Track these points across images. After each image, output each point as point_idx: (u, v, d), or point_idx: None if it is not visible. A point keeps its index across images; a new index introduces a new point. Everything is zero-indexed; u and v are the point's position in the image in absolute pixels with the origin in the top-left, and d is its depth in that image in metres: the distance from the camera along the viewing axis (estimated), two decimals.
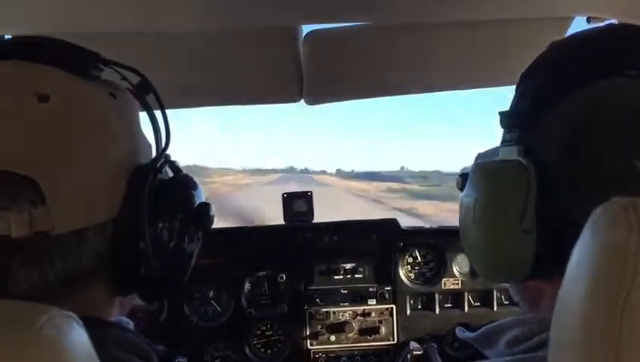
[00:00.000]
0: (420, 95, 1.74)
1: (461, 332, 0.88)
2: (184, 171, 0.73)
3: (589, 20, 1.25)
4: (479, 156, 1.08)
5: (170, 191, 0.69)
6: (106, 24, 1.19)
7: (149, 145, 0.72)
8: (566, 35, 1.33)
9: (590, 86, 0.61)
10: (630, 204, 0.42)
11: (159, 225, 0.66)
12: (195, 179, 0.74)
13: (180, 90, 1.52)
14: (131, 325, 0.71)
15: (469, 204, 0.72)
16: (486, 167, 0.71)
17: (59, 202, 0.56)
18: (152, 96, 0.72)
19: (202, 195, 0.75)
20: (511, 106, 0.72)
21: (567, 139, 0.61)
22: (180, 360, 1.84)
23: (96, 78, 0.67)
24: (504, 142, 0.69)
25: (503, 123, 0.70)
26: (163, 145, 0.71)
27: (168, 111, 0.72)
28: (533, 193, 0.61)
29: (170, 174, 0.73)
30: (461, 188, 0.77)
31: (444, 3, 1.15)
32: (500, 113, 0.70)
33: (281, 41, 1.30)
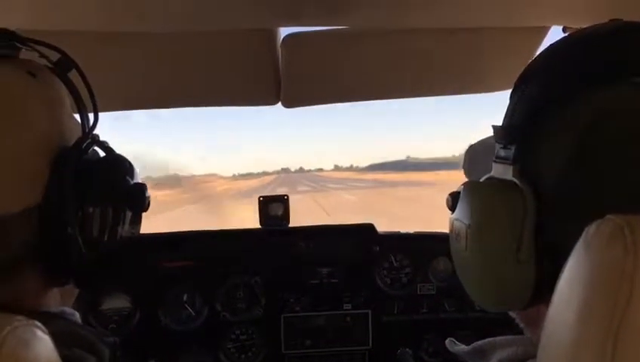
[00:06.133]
0: None
1: (452, 345, 0.82)
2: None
3: (564, 30, 1.27)
4: (471, 149, 1.03)
5: (98, 173, 0.65)
6: (81, 23, 1.17)
7: (78, 126, 0.68)
8: (542, 45, 1.36)
9: (595, 96, 0.54)
10: (626, 223, 0.40)
11: (89, 209, 0.62)
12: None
13: (156, 90, 1.50)
14: (76, 316, 0.67)
15: (460, 229, 0.66)
16: (478, 188, 0.65)
17: None
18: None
19: (137, 176, 0.71)
20: (505, 119, 0.64)
21: (568, 159, 0.55)
22: None
23: (11, 57, 0.62)
24: (498, 157, 0.63)
25: (497, 138, 0.63)
26: (90, 124, 0.67)
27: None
28: (531, 219, 0.56)
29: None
30: (452, 209, 0.71)
31: (422, 10, 1.15)
32: (494, 127, 0.64)
33: (259, 43, 1.29)
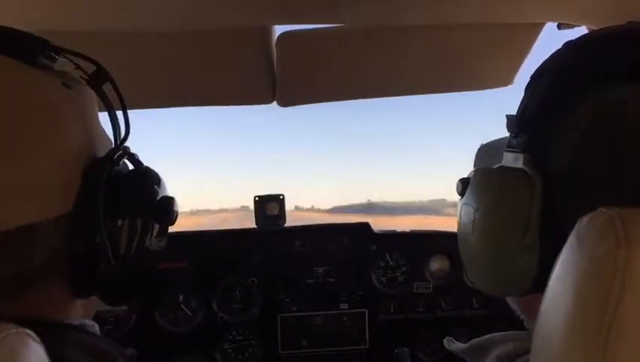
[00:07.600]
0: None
1: (450, 344, 0.84)
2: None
3: (559, 27, 1.27)
4: (482, 148, 1.05)
5: (128, 184, 0.65)
6: (74, 23, 1.16)
7: (109, 139, 0.68)
8: (537, 41, 1.36)
9: (605, 92, 0.56)
10: (617, 216, 0.40)
11: (117, 221, 0.63)
12: None
13: (150, 90, 1.49)
14: (96, 328, 0.67)
15: (468, 213, 0.68)
16: (488, 174, 0.67)
17: (4, 195, 0.52)
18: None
19: (166, 189, 0.71)
20: (519, 109, 0.66)
21: (577, 150, 0.56)
22: None
23: (46, 67, 0.62)
24: (510, 146, 0.64)
25: (509, 127, 0.65)
26: (122, 137, 0.67)
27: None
28: (538, 207, 0.57)
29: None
30: (461, 194, 0.72)
31: (417, 7, 1.15)
32: (508, 116, 0.65)
33: (253, 41, 1.29)
